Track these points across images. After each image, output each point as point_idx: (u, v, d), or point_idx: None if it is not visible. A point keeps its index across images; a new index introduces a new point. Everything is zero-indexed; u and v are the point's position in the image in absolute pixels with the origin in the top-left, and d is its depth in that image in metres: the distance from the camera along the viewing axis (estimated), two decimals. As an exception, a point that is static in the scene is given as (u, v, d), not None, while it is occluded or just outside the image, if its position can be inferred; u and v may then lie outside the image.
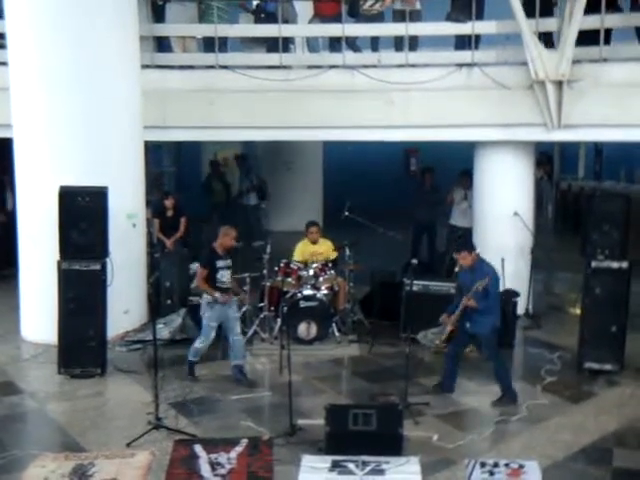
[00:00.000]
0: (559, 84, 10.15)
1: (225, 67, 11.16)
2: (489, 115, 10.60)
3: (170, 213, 11.85)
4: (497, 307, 8.04)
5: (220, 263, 8.35)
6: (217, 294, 8.22)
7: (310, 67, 11.32)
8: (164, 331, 9.51)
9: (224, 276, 8.34)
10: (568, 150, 19.52)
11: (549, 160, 16.62)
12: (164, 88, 10.93)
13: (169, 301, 10.41)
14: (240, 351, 8.45)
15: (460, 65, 10.83)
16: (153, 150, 15.34)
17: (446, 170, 13.23)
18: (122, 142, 9.72)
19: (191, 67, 11.46)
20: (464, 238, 11.26)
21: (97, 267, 8.65)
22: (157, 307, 9.77)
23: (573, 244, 9.97)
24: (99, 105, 9.43)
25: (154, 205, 12.04)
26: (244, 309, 9.40)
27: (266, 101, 10.89)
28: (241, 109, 10.87)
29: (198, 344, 8.43)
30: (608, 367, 8.70)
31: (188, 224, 11.95)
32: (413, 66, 11.00)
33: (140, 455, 6.64)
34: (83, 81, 9.31)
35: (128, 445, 6.86)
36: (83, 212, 8.65)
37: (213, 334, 8.39)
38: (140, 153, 10.22)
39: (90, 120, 9.40)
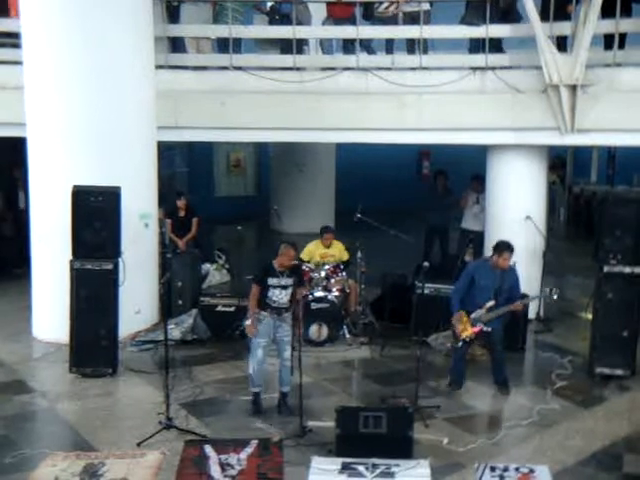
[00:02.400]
0: (573, 88, 10.12)
1: (239, 68, 11.19)
2: (502, 119, 10.58)
3: (182, 214, 11.88)
4: None
5: (272, 281, 7.60)
6: (252, 311, 7.67)
7: (324, 69, 11.34)
8: (175, 331, 9.53)
9: (275, 295, 7.59)
10: (581, 154, 19.48)
11: (563, 164, 16.60)
12: (178, 89, 10.97)
13: (180, 301, 10.44)
14: (286, 379, 7.80)
15: (474, 69, 10.82)
16: (166, 150, 15.39)
17: (459, 173, 13.21)
18: (135, 142, 9.75)
19: (205, 68, 11.48)
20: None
21: (109, 267, 8.66)
22: (168, 307, 9.79)
23: (585, 248, 9.94)
24: (113, 105, 9.45)
25: (166, 205, 12.07)
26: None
27: (279, 102, 10.91)
28: (254, 110, 10.89)
29: (250, 369, 7.74)
30: (619, 372, 8.67)
31: (200, 225, 11.97)
32: (426, 69, 11.00)
33: (150, 455, 6.68)
34: (97, 81, 9.34)
35: (139, 445, 6.87)
36: (96, 212, 8.65)
37: (260, 352, 7.65)
38: (153, 153, 10.24)
39: (104, 120, 9.43)
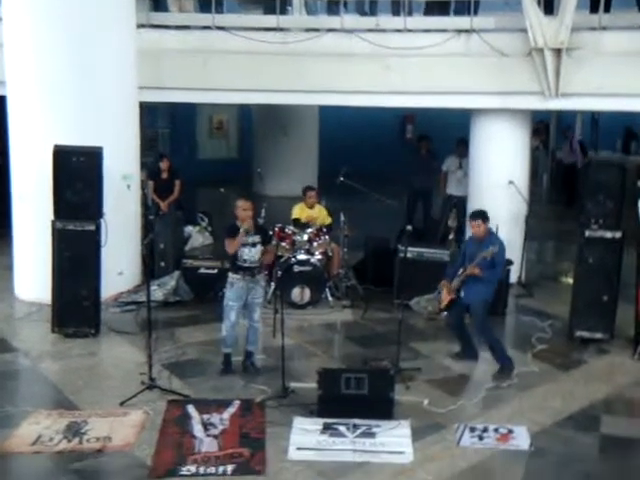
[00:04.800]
0: (558, 52, 10.09)
1: (222, 28, 11.05)
2: (487, 82, 10.54)
3: (165, 175, 11.82)
4: (496, 280, 8.05)
5: (241, 239, 7.61)
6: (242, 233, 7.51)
7: (307, 30, 11.22)
8: (158, 293, 9.54)
9: (245, 253, 7.57)
10: (565, 120, 19.49)
11: (547, 128, 16.61)
12: (159, 48, 10.83)
13: (163, 263, 10.41)
14: (254, 338, 7.86)
15: (459, 31, 10.75)
16: (148, 111, 15.26)
17: (443, 138, 13.20)
18: (117, 102, 9.63)
19: (187, 27, 11.33)
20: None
21: (91, 227, 8.61)
22: (151, 269, 9.77)
23: (567, 214, 9.99)
24: (94, 64, 9.32)
25: (149, 167, 12.00)
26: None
27: (263, 64, 10.80)
28: (237, 71, 10.78)
29: (223, 331, 7.73)
30: (598, 336, 8.75)
31: (183, 187, 11.92)
32: (411, 31, 10.92)
33: (133, 414, 6.73)
34: (78, 39, 9.21)
35: (121, 404, 6.89)
36: (77, 172, 8.58)
37: (233, 315, 7.66)
38: (135, 114, 10.14)
39: (85, 79, 9.30)
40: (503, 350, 8.00)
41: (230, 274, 7.76)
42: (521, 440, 6.51)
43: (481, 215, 7.93)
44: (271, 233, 8.92)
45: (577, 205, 9.06)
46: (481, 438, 6.53)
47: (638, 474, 6.30)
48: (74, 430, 6.42)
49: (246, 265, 7.64)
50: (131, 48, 9.84)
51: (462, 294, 7.95)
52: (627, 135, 20.06)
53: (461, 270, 7.93)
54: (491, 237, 7.94)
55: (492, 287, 8.00)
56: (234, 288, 7.67)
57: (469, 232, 11.09)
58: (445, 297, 8.07)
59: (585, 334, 8.78)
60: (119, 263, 9.47)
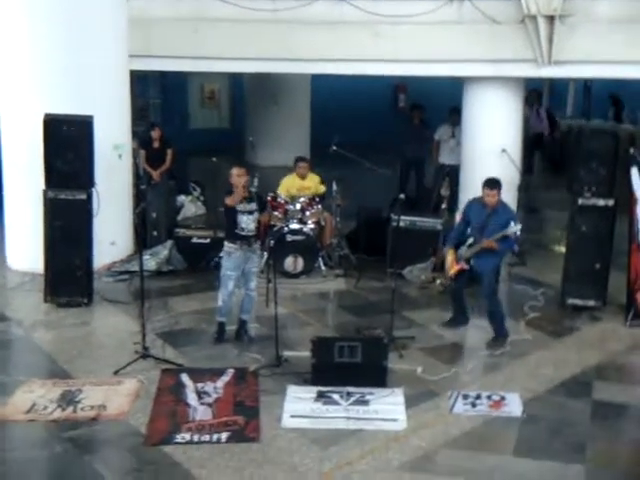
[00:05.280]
0: (551, 19, 10.04)
1: (213, -5, 10.95)
2: (479, 50, 10.50)
3: (156, 144, 11.75)
4: (507, 251, 8.39)
5: (239, 206, 7.59)
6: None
7: (298, -3, 11.13)
8: (150, 262, 9.51)
9: (243, 221, 7.57)
10: (558, 87, 19.43)
11: (540, 96, 16.53)
12: (150, 16, 10.73)
13: (155, 233, 10.38)
14: (248, 307, 7.88)
15: (451, -2, 10.68)
16: (139, 81, 15.13)
17: (435, 107, 13.13)
18: (108, 70, 9.51)
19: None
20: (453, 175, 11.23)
21: (83, 197, 8.56)
22: (143, 238, 9.75)
23: (559, 182, 9.97)
24: (84, 32, 9.20)
25: (140, 136, 11.92)
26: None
27: (253, 32, 10.73)
28: (228, 39, 10.71)
29: (220, 301, 7.72)
30: (591, 303, 8.77)
31: (175, 156, 11.86)
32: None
33: (128, 383, 6.75)
34: (67, 7, 9.08)
35: (115, 373, 6.90)
36: (68, 141, 8.50)
37: (231, 284, 7.67)
38: (125, 82, 10.04)
39: (75, 47, 9.17)
40: (503, 320, 7.98)
41: (226, 243, 7.74)
42: (513, 407, 6.56)
43: (498, 185, 7.80)
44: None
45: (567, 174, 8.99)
46: (474, 405, 6.57)
47: (629, 439, 6.38)
48: (68, 399, 6.44)
49: (243, 234, 7.63)
50: (122, 15, 9.72)
51: (471, 262, 7.89)
52: (613, 103, 19.93)
53: (471, 240, 7.87)
54: (506, 209, 7.89)
55: (502, 257, 8.26)
56: (232, 258, 7.65)
57: (463, 200, 11.20)
58: (452, 266, 7.99)
59: (577, 302, 8.81)
60: (111, 233, 9.43)
